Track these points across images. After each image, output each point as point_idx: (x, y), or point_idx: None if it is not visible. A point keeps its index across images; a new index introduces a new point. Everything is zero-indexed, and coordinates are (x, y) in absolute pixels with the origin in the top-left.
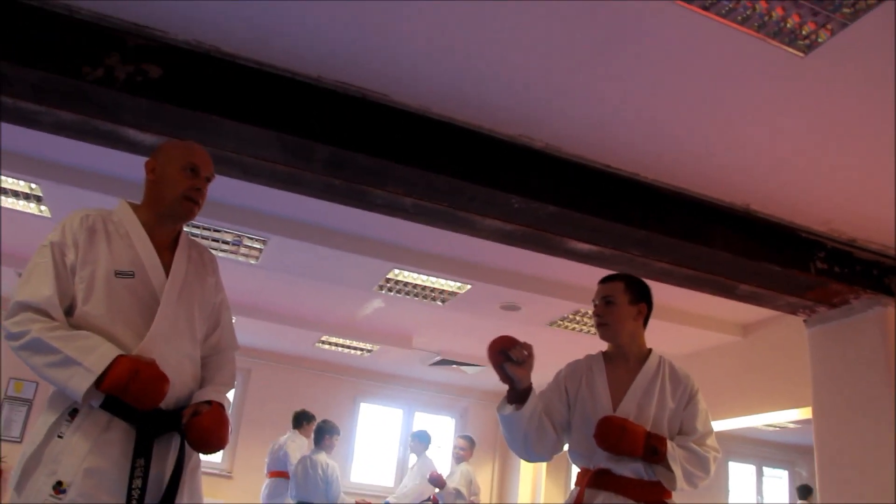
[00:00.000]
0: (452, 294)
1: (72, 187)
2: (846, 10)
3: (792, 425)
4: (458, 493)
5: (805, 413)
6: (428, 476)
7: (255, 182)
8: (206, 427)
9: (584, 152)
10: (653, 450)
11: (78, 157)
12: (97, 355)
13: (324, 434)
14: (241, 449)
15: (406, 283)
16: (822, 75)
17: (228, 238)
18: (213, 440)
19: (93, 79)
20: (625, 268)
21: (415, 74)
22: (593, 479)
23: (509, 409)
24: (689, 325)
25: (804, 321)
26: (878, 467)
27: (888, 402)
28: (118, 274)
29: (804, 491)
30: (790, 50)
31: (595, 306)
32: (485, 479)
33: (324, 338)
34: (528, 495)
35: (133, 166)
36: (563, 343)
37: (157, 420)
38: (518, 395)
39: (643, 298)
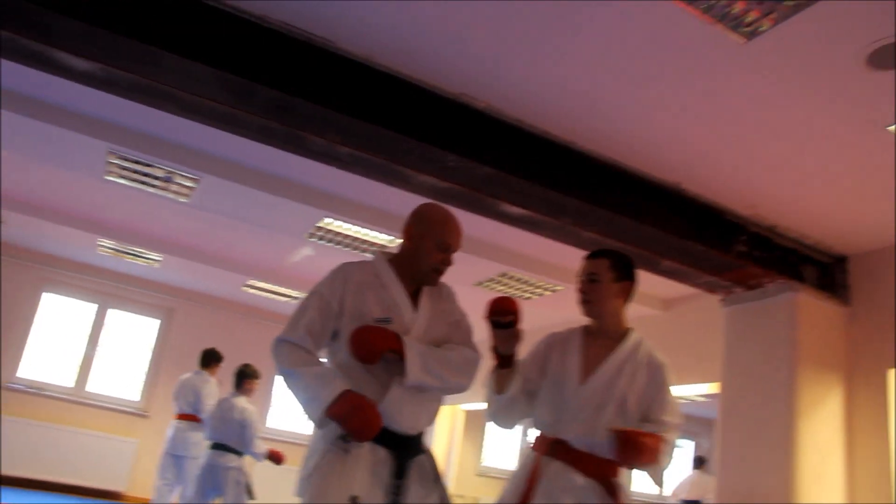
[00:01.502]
0: (383, 248)
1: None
2: (788, 3)
3: (700, 399)
4: None
5: (714, 388)
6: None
7: (192, 119)
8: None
9: (525, 116)
10: (661, 454)
11: None
12: (330, 389)
13: (244, 378)
14: (160, 388)
15: (337, 234)
16: (762, 63)
17: (159, 174)
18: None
19: None
20: (555, 234)
21: (362, 23)
22: (550, 448)
23: (492, 388)
24: None
25: (721, 300)
26: (774, 443)
27: (790, 383)
28: (378, 321)
29: (698, 461)
30: (733, 35)
31: (580, 283)
32: None
33: (250, 282)
34: (443, 451)
35: None
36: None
37: (408, 445)
38: (503, 359)
39: (628, 276)
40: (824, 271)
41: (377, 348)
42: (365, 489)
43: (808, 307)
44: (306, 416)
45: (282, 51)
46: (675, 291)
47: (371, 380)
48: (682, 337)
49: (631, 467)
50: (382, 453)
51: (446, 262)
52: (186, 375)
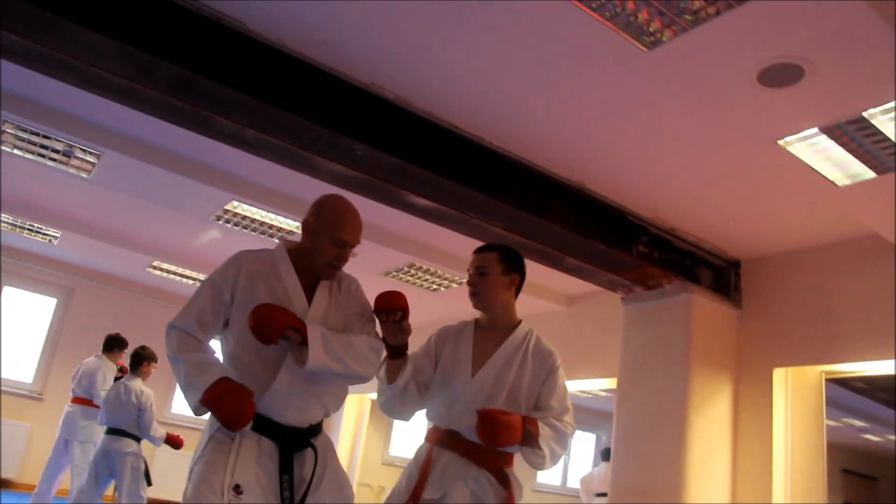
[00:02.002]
0: (290, 233)
1: None
2: (688, 17)
3: (602, 393)
4: None
5: (613, 383)
6: None
7: (92, 92)
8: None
9: (433, 109)
10: (528, 433)
11: None
12: (207, 376)
13: (141, 360)
14: (56, 370)
15: (244, 217)
16: (662, 72)
17: (59, 147)
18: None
19: None
20: (460, 227)
21: (274, 6)
22: (442, 439)
23: (383, 378)
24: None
25: (621, 298)
26: (666, 437)
27: (683, 380)
28: None
29: (606, 453)
30: (636, 44)
31: (469, 275)
32: None
33: (155, 263)
34: (349, 440)
35: None
36: None
37: (295, 437)
38: (392, 350)
39: (516, 269)
40: (718, 274)
41: (279, 324)
42: (248, 479)
43: (703, 308)
44: (187, 402)
45: (189, 28)
46: (578, 288)
47: (259, 371)
48: (584, 333)
49: (496, 446)
50: (267, 445)
51: (341, 258)
52: (88, 359)
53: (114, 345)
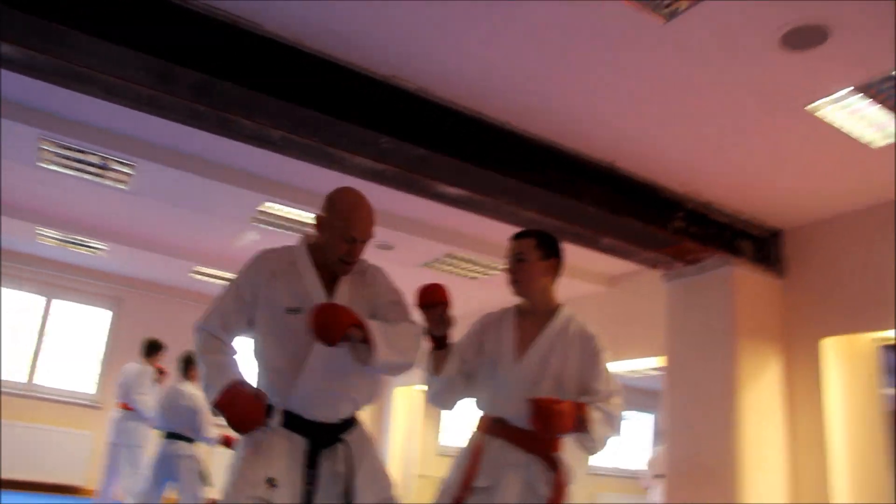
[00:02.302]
0: None
1: None
2: None
3: (654, 372)
4: None
5: (662, 361)
6: None
7: (118, 103)
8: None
9: (457, 98)
10: (580, 420)
11: None
12: (221, 380)
13: (191, 364)
14: (114, 379)
15: (280, 217)
16: (682, 44)
17: (94, 160)
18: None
19: None
20: (493, 214)
21: (288, 6)
22: (490, 427)
23: (430, 370)
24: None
25: (662, 275)
26: (717, 411)
27: (730, 353)
28: (289, 311)
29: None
30: (653, 15)
31: (508, 263)
32: None
33: (198, 268)
34: (402, 433)
35: None
36: None
37: (325, 433)
38: (436, 340)
39: (554, 254)
40: (760, 245)
41: (342, 324)
42: (282, 472)
43: (745, 280)
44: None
45: (206, 33)
46: (619, 268)
47: (286, 368)
48: (628, 312)
49: (549, 435)
50: (298, 440)
51: (353, 253)
52: (128, 365)
53: (151, 349)
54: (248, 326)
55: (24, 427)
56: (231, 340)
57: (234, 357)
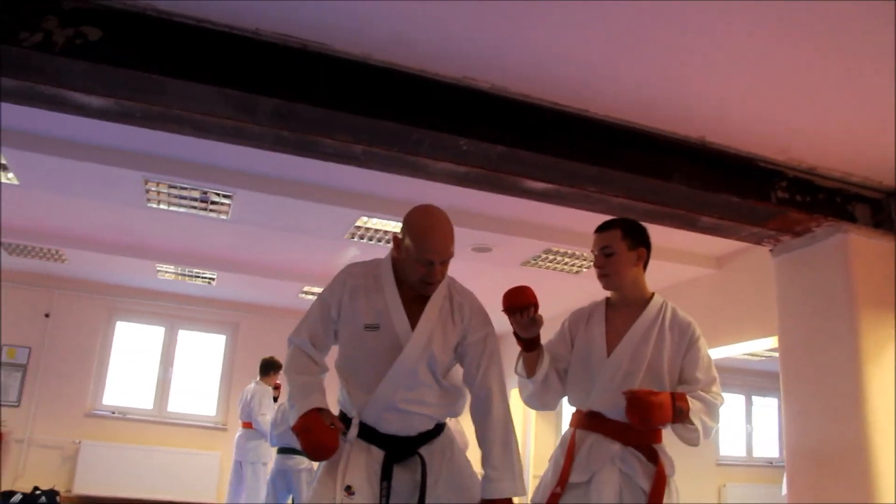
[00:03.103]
0: None
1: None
2: None
3: (774, 354)
4: None
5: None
6: None
7: (206, 138)
8: None
9: (531, 91)
10: (679, 410)
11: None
12: (301, 405)
13: (271, 369)
14: (233, 400)
15: (377, 230)
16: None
17: (196, 194)
18: None
19: (30, 44)
20: (582, 205)
21: (353, 23)
22: (585, 421)
23: (522, 373)
24: (663, 259)
25: (770, 251)
26: (840, 391)
27: (851, 328)
28: (367, 327)
29: None
30: None
31: (595, 257)
32: None
33: (306, 288)
34: (520, 433)
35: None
36: (536, 282)
37: (400, 446)
38: (526, 343)
39: (641, 243)
40: (877, 208)
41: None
42: (359, 481)
43: (862, 247)
44: None
45: (278, 60)
46: (725, 248)
47: (366, 381)
48: (739, 293)
49: (647, 427)
50: (376, 451)
51: (433, 274)
52: (248, 386)
53: (269, 368)
54: (335, 340)
55: (156, 451)
56: (319, 355)
57: (320, 377)
